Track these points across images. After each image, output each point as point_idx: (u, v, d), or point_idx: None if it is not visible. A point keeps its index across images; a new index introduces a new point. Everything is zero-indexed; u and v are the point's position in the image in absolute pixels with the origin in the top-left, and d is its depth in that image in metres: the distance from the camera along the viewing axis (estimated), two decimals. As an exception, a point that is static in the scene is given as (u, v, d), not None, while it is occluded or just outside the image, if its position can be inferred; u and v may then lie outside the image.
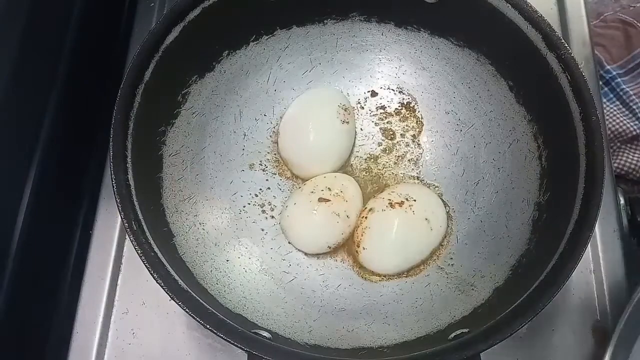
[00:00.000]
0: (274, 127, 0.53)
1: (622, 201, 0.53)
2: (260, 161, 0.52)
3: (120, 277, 0.51)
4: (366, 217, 0.48)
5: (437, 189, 0.51)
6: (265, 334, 0.40)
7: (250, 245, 0.49)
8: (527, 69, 0.46)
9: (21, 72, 0.46)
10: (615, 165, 0.81)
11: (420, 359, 0.36)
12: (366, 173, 0.52)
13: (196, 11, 0.45)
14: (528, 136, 0.47)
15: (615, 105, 0.84)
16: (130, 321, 0.49)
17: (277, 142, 0.53)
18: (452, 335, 0.40)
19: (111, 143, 0.40)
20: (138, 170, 0.41)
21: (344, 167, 0.53)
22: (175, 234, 0.44)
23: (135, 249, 0.38)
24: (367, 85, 0.55)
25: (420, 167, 0.52)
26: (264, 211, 0.51)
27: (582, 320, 0.49)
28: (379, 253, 0.48)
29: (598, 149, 0.40)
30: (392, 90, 0.55)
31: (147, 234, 0.39)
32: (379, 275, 0.48)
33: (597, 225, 0.40)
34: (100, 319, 0.49)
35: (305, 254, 0.49)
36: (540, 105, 0.46)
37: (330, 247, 0.49)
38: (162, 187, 0.45)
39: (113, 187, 0.39)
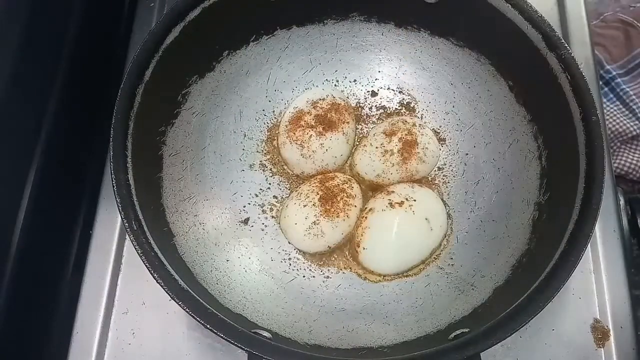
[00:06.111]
0: (274, 127, 0.53)
1: (622, 201, 0.53)
2: (260, 161, 0.52)
3: (120, 277, 0.51)
4: (366, 217, 0.48)
5: (437, 188, 0.51)
6: (266, 333, 0.40)
7: (250, 245, 0.49)
8: (527, 69, 0.46)
9: (21, 72, 0.46)
10: (615, 165, 0.81)
11: (420, 359, 0.36)
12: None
13: (196, 11, 0.45)
14: (528, 136, 0.47)
15: (615, 105, 0.84)
16: (130, 321, 0.49)
17: (277, 142, 0.53)
18: (452, 335, 0.40)
19: (111, 143, 0.40)
20: (138, 170, 0.41)
21: (344, 167, 0.53)
22: (175, 234, 0.44)
23: (135, 249, 0.38)
24: (367, 85, 0.55)
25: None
26: (264, 211, 0.51)
27: (582, 320, 0.49)
28: (379, 253, 0.48)
29: (598, 149, 0.40)
30: (392, 90, 0.55)
31: (147, 234, 0.39)
32: (379, 275, 0.48)
33: (597, 225, 0.40)
34: (100, 319, 0.49)
35: (305, 254, 0.49)
36: (540, 105, 0.46)
37: (330, 247, 0.49)
38: (162, 187, 0.45)
39: (113, 187, 0.39)
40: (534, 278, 0.39)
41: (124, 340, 0.49)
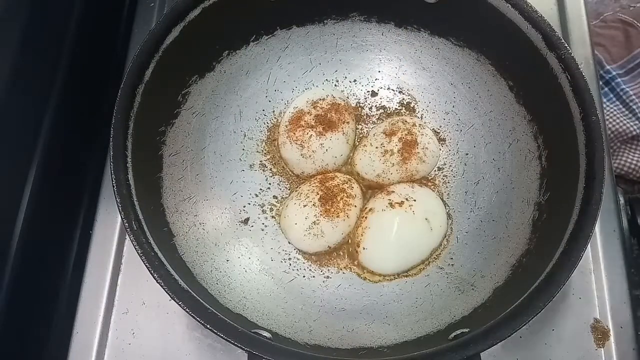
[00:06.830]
0: (274, 127, 0.53)
1: (622, 201, 0.53)
2: (260, 161, 0.52)
3: (120, 277, 0.51)
4: (366, 217, 0.48)
5: (437, 188, 0.51)
6: (266, 333, 0.40)
7: (250, 245, 0.49)
8: (527, 69, 0.46)
9: (21, 72, 0.46)
10: (615, 165, 0.82)
11: (420, 359, 0.36)
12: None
13: (196, 11, 0.45)
14: (528, 136, 0.47)
15: (615, 105, 0.85)
16: (130, 321, 0.49)
17: (277, 142, 0.53)
18: (452, 335, 0.40)
19: (111, 143, 0.40)
20: (138, 170, 0.41)
21: (344, 167, 0.53)
22: (175, 234, 0.44)
23: (135, 249, 0.38)
24: (367, 85, 0.55)
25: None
26: (264, 211, 0.51)
27: (582, 320, 0.49)
28: (379, 253, 0.48)
29: (598, 149, 0.40)
30: (392, 90, 0.55)
31: (147, 234, 0.39)
32: (379, 275, 0.48)
33: (597, 225, 0.40)
34: (100, 319, 0.49)
35: (306, 254, 0.49)
36: (540, 105, 0.46)
37: (330, 247, 0.49)
38: (162, 187, 0.45)
39: (113, 187, 0.39)
40: (534, 278, 0.39)
41: (124, 340, 0.49)
